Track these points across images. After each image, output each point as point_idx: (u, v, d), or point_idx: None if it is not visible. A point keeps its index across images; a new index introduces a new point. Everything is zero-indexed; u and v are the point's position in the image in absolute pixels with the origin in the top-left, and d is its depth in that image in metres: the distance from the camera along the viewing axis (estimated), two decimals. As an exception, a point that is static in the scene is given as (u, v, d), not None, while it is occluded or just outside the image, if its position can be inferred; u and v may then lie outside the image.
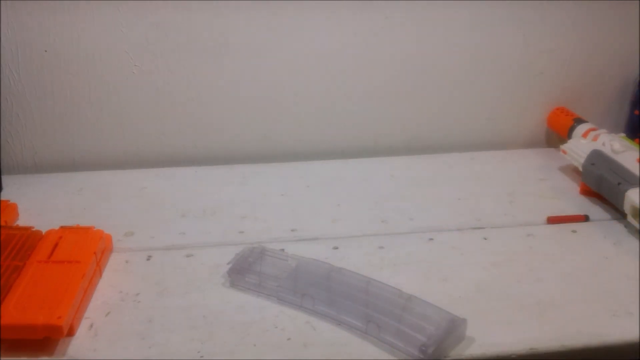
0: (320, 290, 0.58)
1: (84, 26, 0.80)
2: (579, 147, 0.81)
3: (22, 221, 0.73)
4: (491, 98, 0.92)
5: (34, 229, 0.67)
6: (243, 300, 0.60)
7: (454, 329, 0.54)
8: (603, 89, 0.94)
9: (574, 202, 0.79)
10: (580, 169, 0.80)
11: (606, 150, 0.78)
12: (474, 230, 0.73)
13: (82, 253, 0.62)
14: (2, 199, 0.74)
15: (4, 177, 0.81)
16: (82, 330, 0.56)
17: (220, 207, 0.77)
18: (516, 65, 0.90)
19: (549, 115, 0.93)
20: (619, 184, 0.73)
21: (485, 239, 0.71)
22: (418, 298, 0.57)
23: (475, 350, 0.54)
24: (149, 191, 0.81)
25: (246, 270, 0.62)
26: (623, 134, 0.82)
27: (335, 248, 0.69)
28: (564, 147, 0.84)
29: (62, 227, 0.66)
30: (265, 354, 0.54)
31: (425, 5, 0.84)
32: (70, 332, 0.55)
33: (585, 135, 0.84)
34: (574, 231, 0.73)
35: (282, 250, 0.67)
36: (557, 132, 0.92)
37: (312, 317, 0.58)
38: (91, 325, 0.57)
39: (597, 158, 0.78)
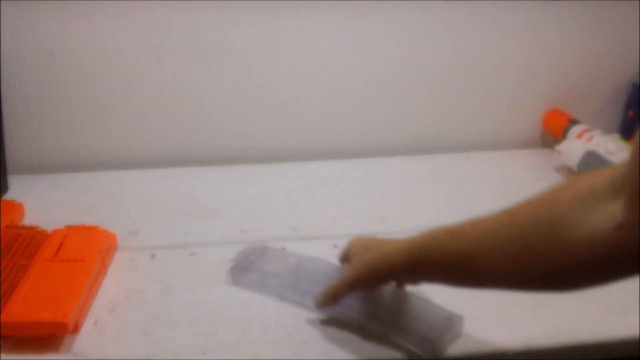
0: (321, 289, 0.59)
1: (89, 28, 0.80)
2: (574, 147, 0.82)
3: (28, 220, 0.73)
4: (487, 99, 0.92)
5: (39, 228, 0.67)
6: (245, 297, 0.61)
7: (451, 326, 0.55)
8: (598, 90, 0.94)
9: (569, 201, 0.79)
10: (575, 169, 0.80)
11: (601, 151, 0.78)
12: (471, 230, 0.73)
13: (87, 252, 0.62)
14: (8, 198, 0.75)
15: (10, 177, 0.81)
16: (87, 327, 0.57)
17: (223, 206, 0.78)
18: (512, 66, 0.90)
19: (544, 116, 0.93)
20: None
21: (481, 238, 0.71)
22: (415, 295, 0.58)
23: (471, 347, 0.55)
24: (153, 191, 0.81)
25: (248, 269, 0.63)
26: (617, 135, 0.82)
27: (335, 246, 0.69)
28: (559, 147, 0.84)
29: (67, 227, 0.67)
30: (267, 350, 0.55)
31: (424, 7, 0.85)
32: (76, 329, 0.56)
33: (580, 136, 0.84)
34: (568, 230, 0.73)
35: (283, 248, 0.67)
36: (552, 133, 0.92)
37: (313, 314, 0.59)
38: (96, 322, 0.57)
39: (591, 159, 0.78)
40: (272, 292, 0.61)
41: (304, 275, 0.61)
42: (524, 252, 0.41)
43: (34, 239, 0.65)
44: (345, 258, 0.58)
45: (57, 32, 0.80)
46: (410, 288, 0.59)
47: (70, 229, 0.66)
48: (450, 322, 0.55)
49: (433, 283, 0.51)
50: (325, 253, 0.67)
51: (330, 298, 0.55)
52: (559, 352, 0.56)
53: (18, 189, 0.80)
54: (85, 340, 0.55)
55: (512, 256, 0.42)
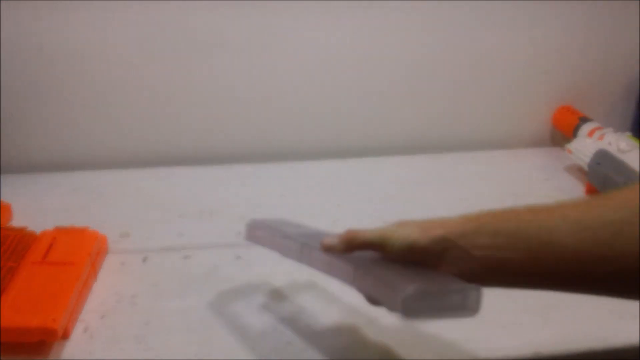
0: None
1: (80, 23, 0.79)
2: (585, 146, 0.81)
3: (16, 222, 0.72)
4: (496, 97, 0.91)
5: (27, 230, 0.66)
6: (242, 302, 0.60)
7: (456, 290, 0.43)
8: (609, 87, 0.93)
9: (579, 202, 0.78)
10: (586, 168, 0.80)
11: (612, 149, 0.77)
12: (477, 231, 0.72)
13: (76, 254, 0.61)
14: (-4, 199, 0.74)
15: (-2, 177, 0.80)
16: (77, 333, 0.56)
17: (219, 207, 0.77)
18: (521, 63, 0.90)
19: (554, 114, 0.93)
20: (624, 183, 0.72)
21: (488, 240, 0.70)
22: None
23: (480, 354, 0.54)
24: (145, 191, 0.80)
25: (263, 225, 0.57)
26: (629, 133, 0.82)
27: (336, 249, 0.68)
28: (569, 146, 0.84)
29: (56, 228, 0.66)
30: (264, 358, 0.53)
31: (428, 3, 0.84)
32: (65, 335, 0.55)
33: (590, 134, 0.83)
34: (579, 232, 0.72)
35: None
36: (562, 131, 0.91)
37: (312, 320, 0.57)
38: (86, 328, 0.56)
39: (602, 157, 0.77)
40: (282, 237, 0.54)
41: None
42: (618, 238, 0.37)
43: (22, 240, 0.64)
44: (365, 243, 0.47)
45: (47, 27, 0.78)
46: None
47: (60, 230, 0.65)
48: (457, 288, 0.43)
49: (488, 268, 0.41)
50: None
51: (346, 242, 0.47)
52: (569, 359, 0.55)
53: (6, 189, 0.78)
54: (75, 346, 0.54)
55: (602, 240, 0.38)
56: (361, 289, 0.46)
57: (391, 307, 0.43)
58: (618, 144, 0.77)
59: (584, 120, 0.86)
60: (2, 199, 0.73)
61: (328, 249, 0.48)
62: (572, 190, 0.81)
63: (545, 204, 0.41)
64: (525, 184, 0.82)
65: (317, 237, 0.51)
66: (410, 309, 0.41)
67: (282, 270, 0.65)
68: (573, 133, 0.86)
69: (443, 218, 0.45)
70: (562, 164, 0.87)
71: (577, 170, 0.84)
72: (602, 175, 0.76)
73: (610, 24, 0.89)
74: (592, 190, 0.79)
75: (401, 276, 0.44)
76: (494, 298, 0.60)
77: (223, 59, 0.83)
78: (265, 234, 0.56)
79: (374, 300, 0.47)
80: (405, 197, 0.79)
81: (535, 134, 0.95)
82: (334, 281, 0.55)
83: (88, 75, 0.82)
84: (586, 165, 0.79)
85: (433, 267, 0.44)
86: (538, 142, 0.95)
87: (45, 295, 0.55)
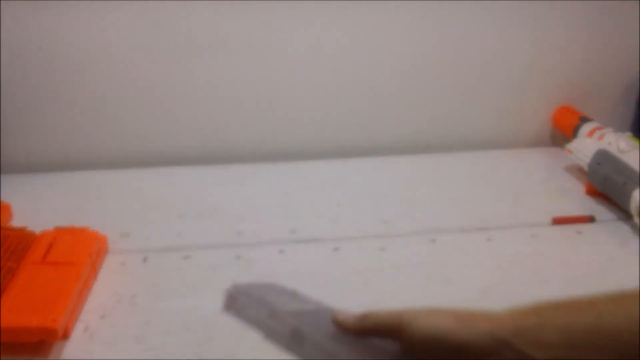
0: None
1: (80, 22, 0.79)
2: (585, 146, 0.80)
3: (16, 222, 0.72)
4: (496, 96, 0.91)
5: (27, 230, 0.66)
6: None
7: None
8: (609, 87, 0.93)
9: (579, 202, 0.78)
10: (586, 168, 0.79)
11: (612, 149, 0.77)
12: (477, 231, 0.72)
13: (77, 254, 0.61)
14: (-4, 199, 0.74)
15: (-3, 177, 0.80)
16: (77, 333, 0.56)
17: (218, 207, 0.76)
18: (521, 63, 0.89)
19: (554, 114, 0.92)
20: (624, 183, 0.72)
21: (489, 240, 0.70)
22: None
23: None
24: (145, 191, 0.80)
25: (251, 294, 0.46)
26: (629, 133, 0.81)
27: (336, 249, 0.68)
28: (569, 146, 0.83)
29: (56, 228, 0.65)
30: (264, 358, 0.52)
31: (427, 3, 0.83)
32: (65, 335, 0.55)
33: (590, 134, 0.82)
34: (579, 232, 0.72)
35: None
36: (562, 131, 0.90)
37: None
38: (86, 328, 0.56)
39: (602, 157, 0.77)
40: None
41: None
42: None
43: (22, 240, 0.64)
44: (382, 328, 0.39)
45: (46, 26, 0.78)
46: (414, 293, 0.57)
47: (60, 230, 0.65)
48: None
49: None
50: (325, 256, 0.66)
51: (359, 320, 0.39)
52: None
53: (6, 189, 0.78)
54: (75, 346, 0.54)
55: None
56: None
57: None
58: (618, 144, 0.77)
59: (584, 120, 0.86)
60: (2, 199, 0.73)
61: (339, 324, 0.40)
62: (573, 190, 0.81)
63: (621, 290, 0.33)
64: (525, 184, 0.82)
65: (315, 317, 0.43)
66: None
67: (283, 271, 0.65)
68: (573, 133, 0.86)
69: (483, 310, 0.36)
70: (562, 164, 0.87)
71: (577, 170, 0.84)
72: (602, 175, 0.75)
73: (610, 24, 0.88)
74: (592, 190, 0.79)
75: None
76: (493, 298, 0.60)
77: (223, 59, 0.83)
78: (249, 306, 0.44)
79: None
80: (405, 197, 0.79)
81: (535, 134, 0.94)
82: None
83: (88, 75, 0.82)
84: (586, 165, 0.79)
85: None
86: (538, 142, 0.94)
87: (45, 295, 0.55)
